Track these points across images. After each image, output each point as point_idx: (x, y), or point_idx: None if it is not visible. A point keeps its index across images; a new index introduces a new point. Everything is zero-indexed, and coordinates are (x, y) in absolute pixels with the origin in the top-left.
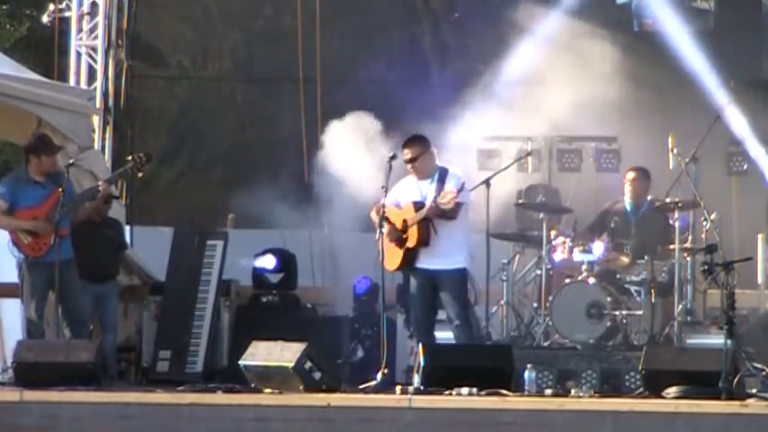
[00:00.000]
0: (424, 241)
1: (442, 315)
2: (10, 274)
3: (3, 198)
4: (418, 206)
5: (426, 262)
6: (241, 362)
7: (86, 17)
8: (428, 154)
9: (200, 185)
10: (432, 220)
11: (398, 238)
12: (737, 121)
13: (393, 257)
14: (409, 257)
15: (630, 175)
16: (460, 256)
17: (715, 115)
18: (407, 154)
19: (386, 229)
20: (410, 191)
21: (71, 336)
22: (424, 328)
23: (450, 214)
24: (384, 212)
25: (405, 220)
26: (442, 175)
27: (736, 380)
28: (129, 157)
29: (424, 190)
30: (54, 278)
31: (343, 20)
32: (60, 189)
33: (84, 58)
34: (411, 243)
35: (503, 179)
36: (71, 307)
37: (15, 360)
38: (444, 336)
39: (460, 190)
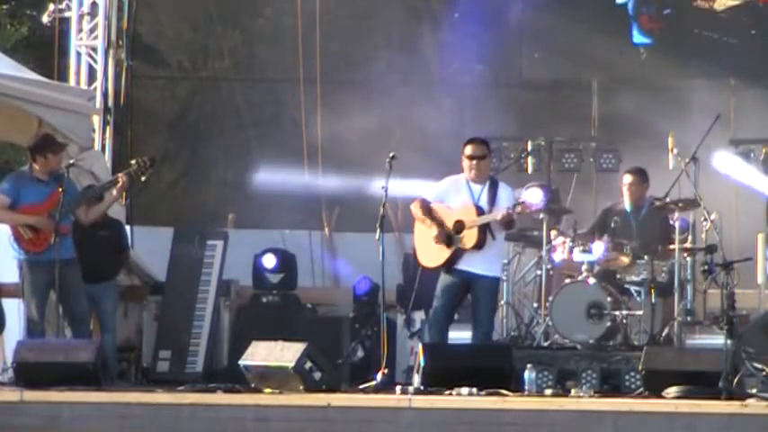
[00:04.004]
0: (479, 245)
1: None
2: (10, 274)
3: (6, 194)
4: (480, 210)
5: (468, 264)
6: (241, 362)
7: (86, 17)
8: (490, 158)
9: (200, 185)
10: (490, 226)
11: (448, 236)
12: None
13: (437, 255)
14: (455, 257)
15: (627, 179)
16: (499, 265)
17: (715, 115)
18: (475, 150)
19: (435, 228)
20: (460, 192)
21: (72, 335)
22: (443, 327)
23: (512, 225)
24: (384, 213)
25: (460, 221)
26: (494, 183)
27: (736, 380)
28: (133, 161)
29: (475, 194)
30: (55, 277)
31: (344, 20)
32: (61, 188)
33: (84, 58)
34: (467, 244)
35: (503, 179)
36: (72, 306)
37: (15, 360)
38: (457, 336)
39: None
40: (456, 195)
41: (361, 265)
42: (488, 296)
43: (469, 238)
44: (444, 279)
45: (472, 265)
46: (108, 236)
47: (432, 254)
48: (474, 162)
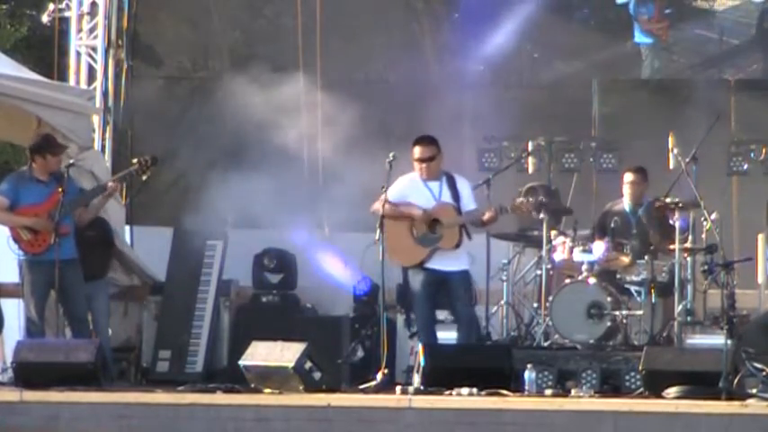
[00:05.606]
0: (458, 244)
1: (440, 315)
2: (10, 274)
3: (5, 195)
4: (458, 210)
5: (438, 263)
6: (241, 362)
7: (86, 17)
8: (441, 156)
9: (200, 185)
10: (466, 224)
11: (425, 236)
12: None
13: (412, 254)
14: (430, 256)
15: (629, 177)
16: (466, 259)
17: (715, 115)
18: (424, 152)
19: (412, 227)
20: (420, 191)
21: (72, 335)
22: (430, 326)
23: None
24: (383, 213)
25: (437, 220)
26: (451, 178)
27: (736, 380)
28: (135, 160)
29: (435, 192)
30: (55, 277)
31: (344, 20)
32: (61, 188)
33: (84, 58)
34: (447, 244)
35: (503, 179)
36: (72, 306)
37: (15, 360)
38: (445, 336)
39: None
40: (416, 194)
41: (360, 265)
42: (463, 290)
43: (450, 237)
44: (416, 280)
45: (443, 263)
46: (96, 235)
47: (405, 253)
48: (424, 165)
